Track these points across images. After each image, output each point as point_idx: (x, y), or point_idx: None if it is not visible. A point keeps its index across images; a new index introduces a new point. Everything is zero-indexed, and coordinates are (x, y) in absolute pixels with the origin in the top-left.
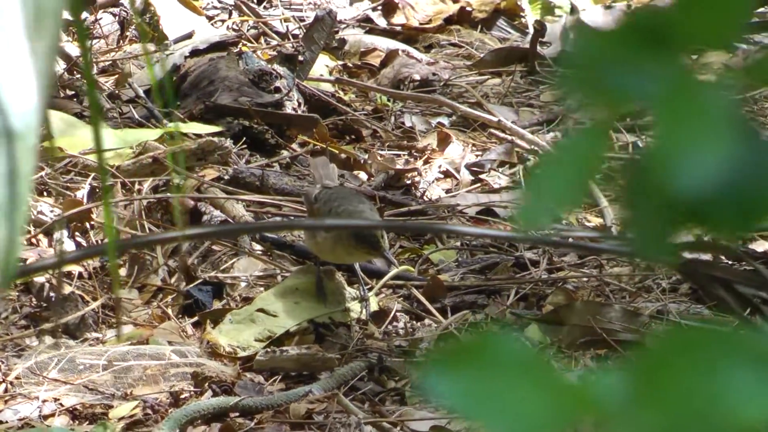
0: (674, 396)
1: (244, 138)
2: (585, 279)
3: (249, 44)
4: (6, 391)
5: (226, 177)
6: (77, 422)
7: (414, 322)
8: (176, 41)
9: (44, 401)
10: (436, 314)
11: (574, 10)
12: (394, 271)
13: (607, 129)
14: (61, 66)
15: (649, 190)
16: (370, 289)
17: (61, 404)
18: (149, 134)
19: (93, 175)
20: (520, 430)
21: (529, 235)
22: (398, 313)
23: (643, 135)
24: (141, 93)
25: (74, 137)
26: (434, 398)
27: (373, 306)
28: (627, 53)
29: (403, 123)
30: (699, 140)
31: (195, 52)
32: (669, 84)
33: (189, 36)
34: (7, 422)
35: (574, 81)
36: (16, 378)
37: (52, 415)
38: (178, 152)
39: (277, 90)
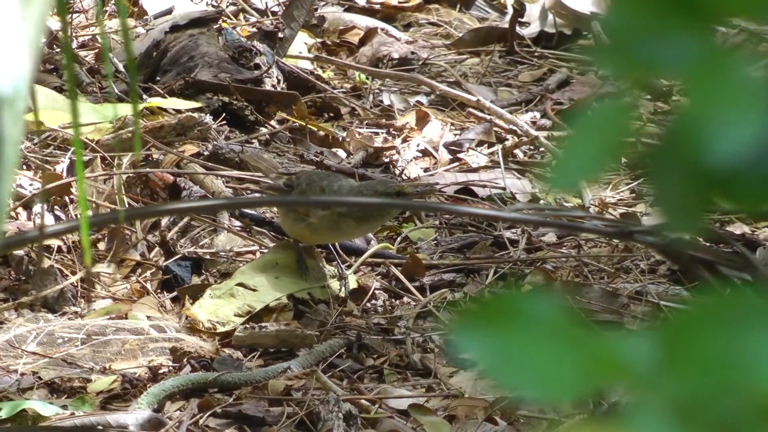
0: (702, 362)
1: (224, 114)
2: (564, 259)
3: (229, 20)
4: None
5: (206, 153)
6: (55, 396)
7: (393, 300)
8: (156, 16)
9: (22, 374)
10: (415, 292)
11: None
12: (372, 249)
13: (637, 98)
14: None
15: (680, 162)
16: (348, 267)
17: (39, 378)
18: (129, 109)
19: (72, 149)
20: (548, 390)
21: (509, 213)
22: (377, 291)
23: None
24: (121, 67)
25: (54, 111)
26: (464, 356)
27: (352, 284)
28: (658, 23)
29: (381, 101)
30: (733, 110)
31: (175, 28)
32: (701, 54)
33: (169, 11)
34: None
35: (607, 52)
36: None
37: (31, 388)
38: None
39: (257, 66)
